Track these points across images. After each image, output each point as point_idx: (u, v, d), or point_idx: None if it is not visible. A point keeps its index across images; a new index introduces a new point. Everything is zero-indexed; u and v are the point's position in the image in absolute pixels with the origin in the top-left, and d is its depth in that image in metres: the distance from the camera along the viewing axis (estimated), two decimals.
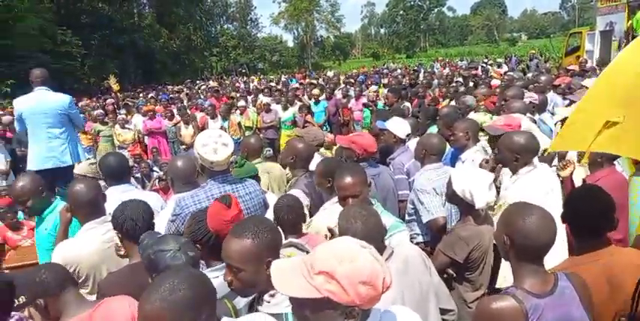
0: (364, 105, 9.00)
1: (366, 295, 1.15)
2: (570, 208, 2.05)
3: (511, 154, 2.77)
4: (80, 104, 14.98)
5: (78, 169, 3.99)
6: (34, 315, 1.88)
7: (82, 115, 8.93)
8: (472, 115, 4.69)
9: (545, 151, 3.49)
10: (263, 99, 10.60)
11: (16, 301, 1.81)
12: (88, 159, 5.18)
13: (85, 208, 2.43)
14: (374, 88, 10.54)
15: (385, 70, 19.10)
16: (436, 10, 75.63)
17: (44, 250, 2.80)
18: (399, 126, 3.80)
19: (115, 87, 13.07)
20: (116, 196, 2.73)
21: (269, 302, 1.57)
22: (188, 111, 9.92)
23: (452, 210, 3.03)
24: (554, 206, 2.32)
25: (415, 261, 2.00)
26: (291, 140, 3.43)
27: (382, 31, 79.29)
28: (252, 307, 1.65)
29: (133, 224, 2.15)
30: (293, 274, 1.20)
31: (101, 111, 9.76)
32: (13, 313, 1.71)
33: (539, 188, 2.69)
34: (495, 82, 8.13)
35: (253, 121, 9.50)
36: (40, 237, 2.87)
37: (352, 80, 14.35)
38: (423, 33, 73.22)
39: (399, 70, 21.68)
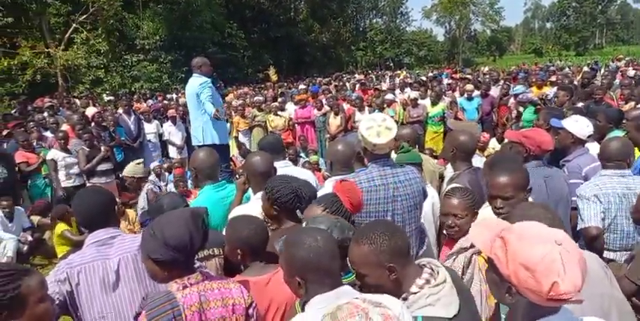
0: (530, 102, 8.09)
1: (524, 280, 1.12)
2: None
3: None
4: (239, 92, 16.52)
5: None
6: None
7: (222, 101, 9.75)
8: None
9: None
10: (410, 93, 10.39)
11: (208, 251, 2.02)
12: (242, 144, 5.60)
13: (258, 178, 2.59)
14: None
15: (552, 68, 17.07)
16: (619, 1, 65.60)
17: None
18: (579, 125, 3.33)
19: (274, 78, 14.02)
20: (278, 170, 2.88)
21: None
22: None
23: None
24: None
25: (594, 268, 1.76)
26: (453, 132, 3.25)
27: (548, 25, 71.85)
28: None
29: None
30: (487, 229, 1.30)
31: (261, 98, 10.56)
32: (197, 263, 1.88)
33: None
34: None
35: (399, 115, 9.37)
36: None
37: (513, 77, 13.18)
38: (600, 28, 64.11)
39: (568, 68, 19.41)
